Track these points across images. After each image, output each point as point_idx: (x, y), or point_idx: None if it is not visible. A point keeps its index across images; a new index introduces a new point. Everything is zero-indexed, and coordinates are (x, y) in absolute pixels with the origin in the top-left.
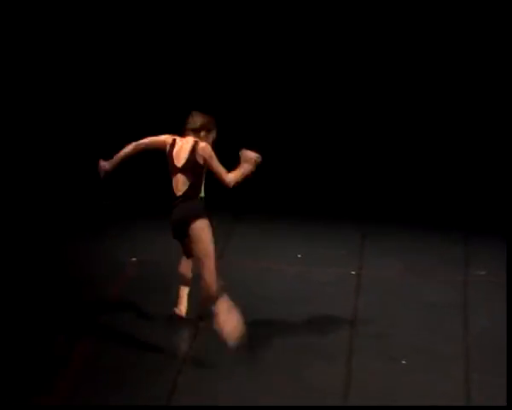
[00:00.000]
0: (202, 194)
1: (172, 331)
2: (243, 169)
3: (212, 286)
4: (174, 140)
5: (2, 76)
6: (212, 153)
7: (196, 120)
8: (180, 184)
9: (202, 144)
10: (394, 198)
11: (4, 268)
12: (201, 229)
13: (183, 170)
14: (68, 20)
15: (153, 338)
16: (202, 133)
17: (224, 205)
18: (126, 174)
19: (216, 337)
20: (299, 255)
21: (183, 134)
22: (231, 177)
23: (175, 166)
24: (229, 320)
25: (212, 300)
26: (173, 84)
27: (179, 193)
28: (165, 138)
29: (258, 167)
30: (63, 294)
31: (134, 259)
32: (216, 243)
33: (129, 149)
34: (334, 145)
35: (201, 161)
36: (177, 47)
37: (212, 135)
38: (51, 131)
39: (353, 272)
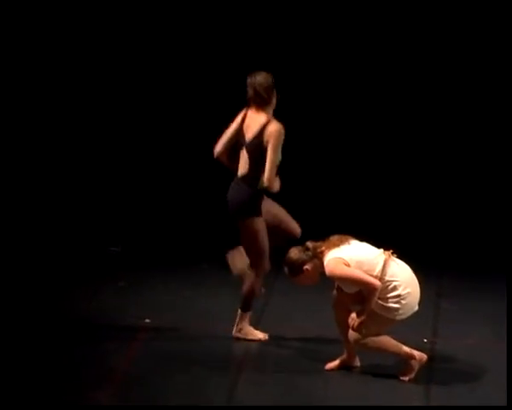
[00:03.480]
0: (263, 185)
1: None
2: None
3: (258, 286)
4: (246, 111)
5: None
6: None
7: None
8: (243, 162)
9: (275, 127)
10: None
11: None
12: (251, 228)
13: (248, 147)
14: (68, 20)
15: None
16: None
17: None
18: (139, 214)
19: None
20: None
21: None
22: (272, 182)
23: (243, 140)
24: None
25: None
26: (173, 84)
27: (239, 173)
28: (238, 118)
29: None
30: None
31: (148, 320)
32: None
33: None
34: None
35: (266, 144)
36: (177, 47)
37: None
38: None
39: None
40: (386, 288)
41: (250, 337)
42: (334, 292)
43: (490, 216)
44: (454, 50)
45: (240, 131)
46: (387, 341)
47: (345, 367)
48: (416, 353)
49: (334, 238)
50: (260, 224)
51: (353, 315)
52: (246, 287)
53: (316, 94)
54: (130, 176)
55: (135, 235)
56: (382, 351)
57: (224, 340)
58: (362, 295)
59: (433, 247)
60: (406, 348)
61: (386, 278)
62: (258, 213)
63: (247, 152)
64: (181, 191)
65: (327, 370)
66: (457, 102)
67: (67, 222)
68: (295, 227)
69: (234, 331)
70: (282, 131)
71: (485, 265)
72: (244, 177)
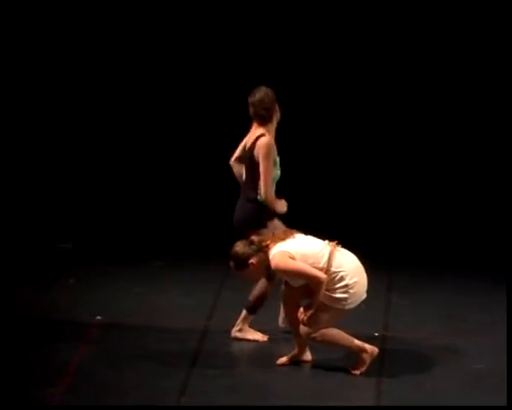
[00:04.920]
0: (262, 198)
1: None
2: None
3: (265, 293)
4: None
5: None
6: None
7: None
8: (244, 177)
9: (263, 140)
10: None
11: None
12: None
13: (244, 162)
14: (68, 20)
15: None
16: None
17: None
18: (90, 211)
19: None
20: None
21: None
22: (268, 195)
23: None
24: None
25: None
26: (172, 85)
27: (242, 188)
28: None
29: None
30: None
31: (98, 317)
32: None
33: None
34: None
35: (257, 158)
36: (176, 47)
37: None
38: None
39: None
40: (333, 279)
41: (248, 337)
42: (283, 287)
43: (440, 209)
44: (454, 51)
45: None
46: (339, 334)
47: (296, 362)
48: (367, 346)
49: (280, 232)
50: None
51: (302, 309)
52: (257, 291)
53: (310, 96)
54: (80, 173)
55: (85, 232)
56: (334, 344)
57: (176, 336)
58: (310, 288)
59: (384, 241)
60: (358, 342)
61: (333, 269)
62: (262, 226)
63: (244, 163)
64: (134, 188)
65: (278, 365)
66: (447, 100)
67: (16, 219)
68: None
69: (233, 331)
70: (272, 146)
71: (434, 258)
72: (243, 189)
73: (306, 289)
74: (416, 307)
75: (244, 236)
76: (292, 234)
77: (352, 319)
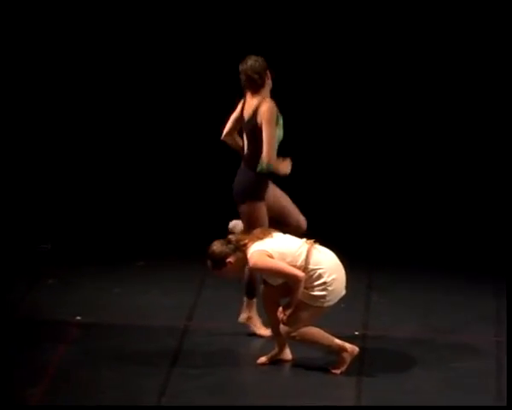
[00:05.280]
0: (262, 166)
1: None
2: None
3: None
4: (245, 98)
5: None
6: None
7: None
8: (244, 147)
9: (265, 105)
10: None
11: None
12: (251, 212)
13: (245, 132)
14: (68, 19)
15: None
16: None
17: None
18: (70, 211)
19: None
20: None
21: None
22: (271, 159)
23: (243, 126)
24: None
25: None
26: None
27: (243, 158)
28: (238, 107)
29: None
30: None
31: (78, 318)
32: None
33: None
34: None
35: (260, 125)
36: (172, 41)
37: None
38: None
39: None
40: (312, 277)
41: (254, 330)
42: (262, 287)
43: (419, 207)
44: (453, 53)
45: (240, 119)
46: (319, 333)
47: (276, 361)
48: (347, 345)
49: (257, 231)
50: (261, 210)
51: (281, 308)
52: (246, 275)
53: (304, 94)
54: (60, 172)
55: (65, 232)
56: (314, 343)
57: (156, 335)
58: (289, 287)
59: (364, 240)
60: (338, 341)
61: (311, 267)
62: (260, 197)
63: (245, 135)
64: (114, 188)
65: (258, 364)
66: (441, 101)
67: None
68: (302, 220)
69: (241, 318)
70: (274, 108)
71: (414, 257)
72: (245, 160)
73: (285, 288)
74: (396, 306)
75: (237, 206)
76: (270, 233)
77: (332, 318)
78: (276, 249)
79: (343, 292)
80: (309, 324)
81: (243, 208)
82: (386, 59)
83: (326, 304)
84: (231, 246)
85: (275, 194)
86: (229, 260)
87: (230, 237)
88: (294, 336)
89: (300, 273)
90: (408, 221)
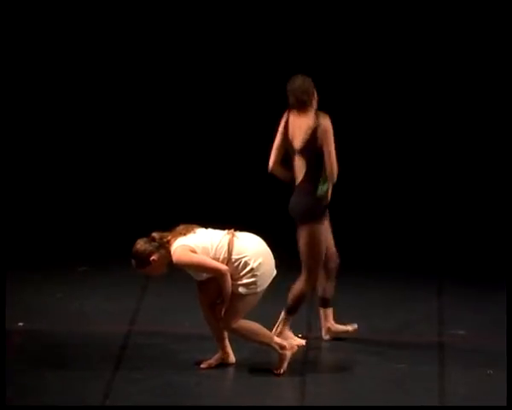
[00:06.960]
0: (321, 191)
1: None
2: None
3: (304, 293)
4: (287, 118)
5: None
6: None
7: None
8: (297, 171)
9: (325, 124)
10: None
11: None
12: (313, 233)
13: (301, 152)
14: (68, 19)
15: None
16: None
17: None
18: (11, 215)
19: None
20: None
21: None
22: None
23: (292, 148)
24: None
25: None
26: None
27: (296, 182)
28: (281, 128)
29: None
30: None
31: (20, 324)
32: None
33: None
34: None
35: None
36: (177, 48)
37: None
38: None
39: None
40: (238, 267)
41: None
42: (197, 289)
43: (361, 210)
44: (453, 53)
45: (286, 141)
46: (260, 329)
47: (220, 365)
48: (286, 343)
49: (180, 228)
50: (323, 232)
51: (219, 306)
52: (296, 290)
53: None
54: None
55: (6, 236)
56: (254, 338)
57: (99, 340)
58: (219, 285)
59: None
60: (277, 339)
61: (234, 257)
62: (321, 219)
63: (303, 159)
64: (56, 192)
65: (202, 368)
66: (451, 103)
67: None
68: (335, 256)
69: (273, 332)
70: (330, 124)
71: (356, 260)
72: (302, 184)
73: (218, 288)
74: (339, 308)
75: (297, 227)
76: (192, 229)
77: (268, 319)
78: (199, 244)
79: (274, 273)
80: (249, 310)
81: (306, 229)
82: (385, 67)
83: (259, 289)
84: (155, 244)
85: (326, 222)
86: (153, 257)
87: (154, 234)
88: (235, 329)
89: (223, 267)
90: (350, 223)
